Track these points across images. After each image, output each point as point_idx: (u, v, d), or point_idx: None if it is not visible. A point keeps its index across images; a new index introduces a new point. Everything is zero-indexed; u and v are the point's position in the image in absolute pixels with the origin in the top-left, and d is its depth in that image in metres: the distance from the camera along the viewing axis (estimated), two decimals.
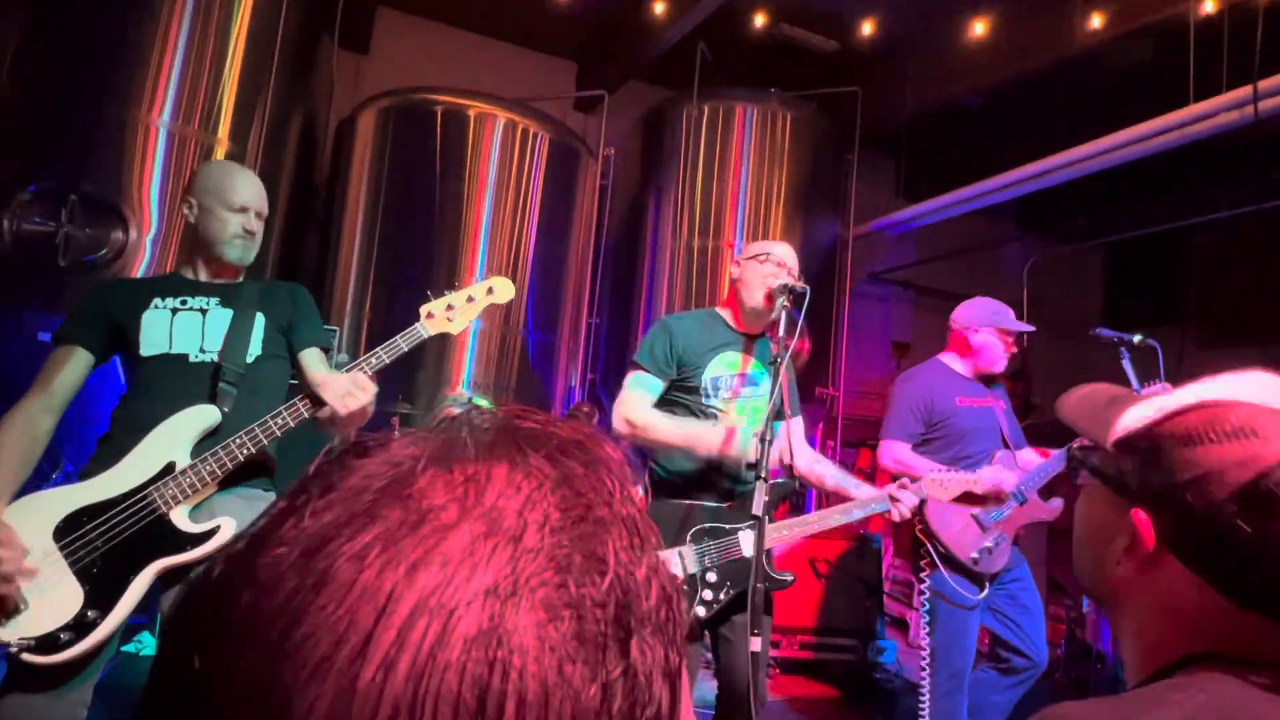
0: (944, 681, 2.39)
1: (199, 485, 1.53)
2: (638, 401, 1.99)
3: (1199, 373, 0.65)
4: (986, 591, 2.38)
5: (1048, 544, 5.21)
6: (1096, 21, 4.32)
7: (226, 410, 1.60)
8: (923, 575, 2.39)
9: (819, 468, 2.13)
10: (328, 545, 0.26)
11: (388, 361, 1.66)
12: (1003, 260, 6.88)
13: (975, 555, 2.35)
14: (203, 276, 1.73)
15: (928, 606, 2.39)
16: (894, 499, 1.96)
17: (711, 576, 1.89)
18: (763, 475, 1.58)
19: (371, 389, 1.61)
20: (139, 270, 3.23)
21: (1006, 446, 2.51)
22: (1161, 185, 5.10)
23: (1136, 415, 0.63)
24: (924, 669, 2.40)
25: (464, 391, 4.01)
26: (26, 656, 1.40)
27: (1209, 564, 0.57)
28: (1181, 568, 0.58)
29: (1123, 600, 0.63)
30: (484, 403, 3.94)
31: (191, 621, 0.26)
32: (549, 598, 0.26)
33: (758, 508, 1.55)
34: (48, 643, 1.41)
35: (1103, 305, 7.67)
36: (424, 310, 1.75)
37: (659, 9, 4.61)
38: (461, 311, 1.76)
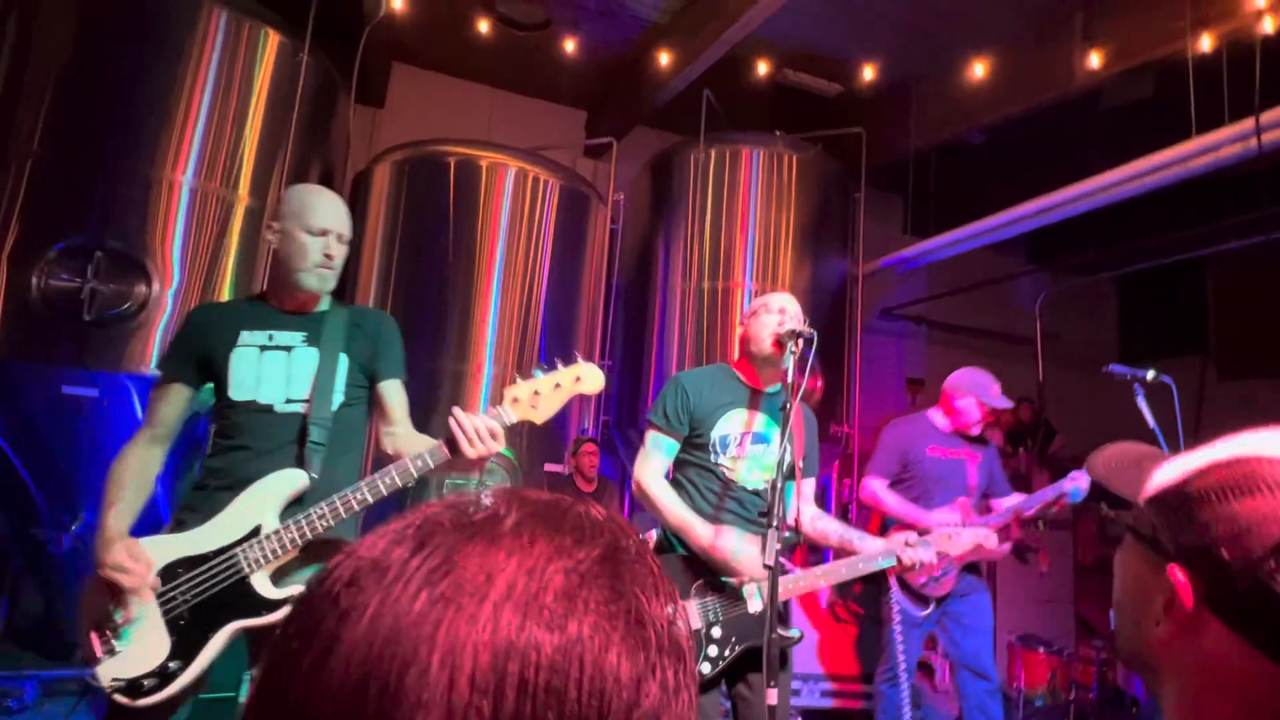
0: (884, 673, 2.90)
1: (280, 552, 1.57)
2: (653, 469, 2.03)
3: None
4: (931, 609, 2.83)
5: (1075, 582, 5.08)
6: (1095, 60, 4.39)
7: (314, 475, 1.64)
8: (888, 589, 2.89)
9: (821, 524, 2.14)
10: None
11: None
12: (1015, 293, 6.87)
13: (924, 580, 2.81)
14: (288, 306, 1.74)
15: (899, 619, 2.87)
16: (903, 555, 1.96)
17: (716, 632, 1.87)
18: (774, 524, 1.57)
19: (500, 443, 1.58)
20: (160, 324, 3.31)
21: (969, 494, 2.91)
22: (1173, 216, 5.10)
23: (1169, 472, 0.63)
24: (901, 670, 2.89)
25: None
26: (116, 696, 1.48)
27: (1249, 622, 0.55)
28: (1223, 629, 0.56)
29: (1164, 665, 0.61)
30: (508, 453, 3.95)
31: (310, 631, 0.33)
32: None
33: (769, 557, 1.54)
34: (134, 687, 1.49)
35: (1118, 337, 7.61)
36: (509, 394, 1.65)
37: (665, 59, 4.74)
38: (548, 398, 1.65)
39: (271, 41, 3.77)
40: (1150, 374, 2.36)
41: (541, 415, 1.65)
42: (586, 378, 1.66)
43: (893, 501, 2.86)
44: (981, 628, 2.87)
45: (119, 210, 3.32)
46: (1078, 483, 2.66)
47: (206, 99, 3.55)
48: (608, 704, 0.31)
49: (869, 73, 5.05)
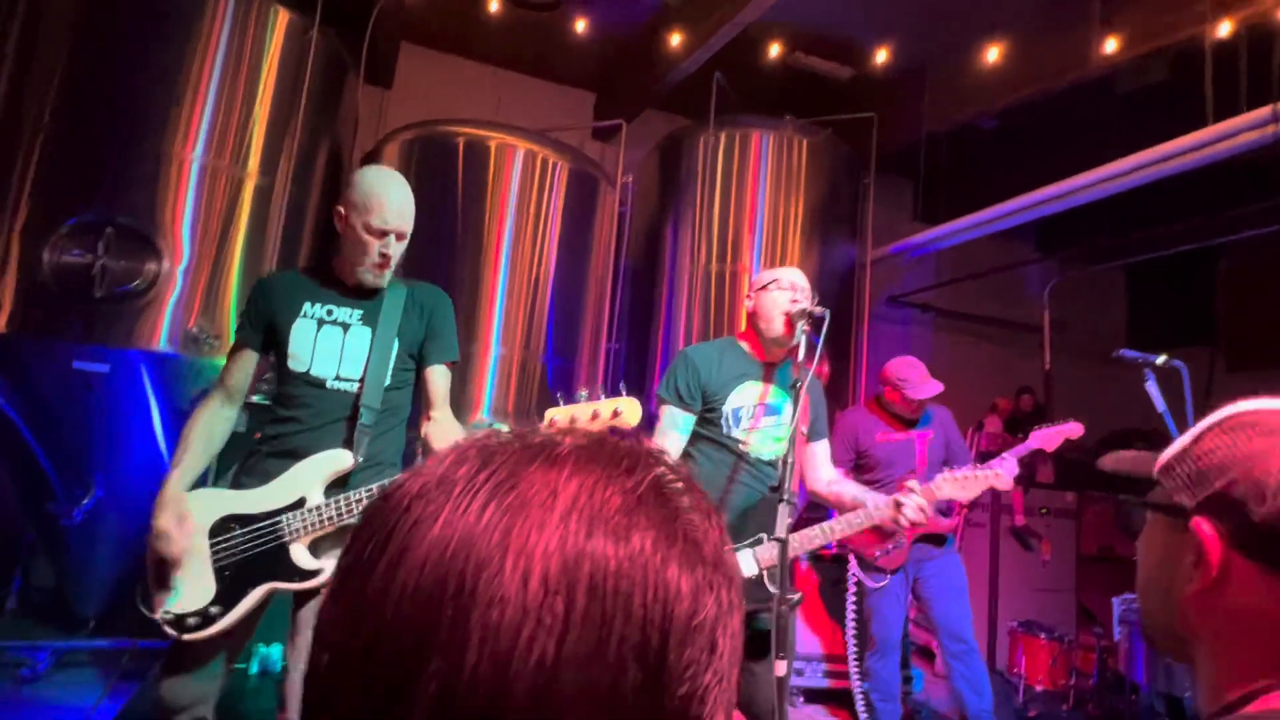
0: (866, 647, 3.03)
1: (319, 525, 1.71)
2: (670, 448, 2.02)
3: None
4: (888, 579, 2.99)
5: (1076, 572, 5.10)
6: (1112, 44, 4.33)
7: (360, 459, 1.76)
8: (848, 566, 3.09)
9: (839, 487, 2.13)
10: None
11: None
12: (1024, 281, 6.83)
13: (877, 553, 2.99)
14: (350, 282, 1.83)
15: (854, 590, 3.11)
16: (900, 503, 1.95)
17: None
18: (785, 498, 1.58)
19: None
20: (170, 300, 3.32)
21: (913, 473, 2.99)
22: (1184, 205, 5.06)
23: (1174, 445, 0.67)
24: (851, 640, 3.15)
25: (485, 418, 4.04)
26: (166, 628, 1.65)
27: (1276, 552, 0.57)
28: (1254, 571, 0.58)
29: (1198, 626, 0.62)
30: (504, 428, 3.97)
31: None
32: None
33: (781, 530, 1.55)
34: (179, 622, 1.66)
35: (1127, 327, 7.56)
36: (547, 415, 1.70)
37: (675, 40, 4.70)
38: (583, 426, 1.72)
39: (281, 20, 3.76)
40: (1161, 359, 2.35)
41: None
42: (626, 411, 1.71)
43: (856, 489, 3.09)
44: (950, 589, 3.01)
45: (129, 187, 3.32)
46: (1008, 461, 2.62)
47: (216, 76, 3.54)
48: (669, 611, 0.33)
49: (881, 56, 5.00)
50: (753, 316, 2.12)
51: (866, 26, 4.93)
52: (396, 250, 1.79)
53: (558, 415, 1.69)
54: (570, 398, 1.73)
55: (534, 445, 0.38)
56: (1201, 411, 0.73)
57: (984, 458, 3.56)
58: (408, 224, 1.80)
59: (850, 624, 3.15)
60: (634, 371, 5.08)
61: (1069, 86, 4.75)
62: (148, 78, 3.41)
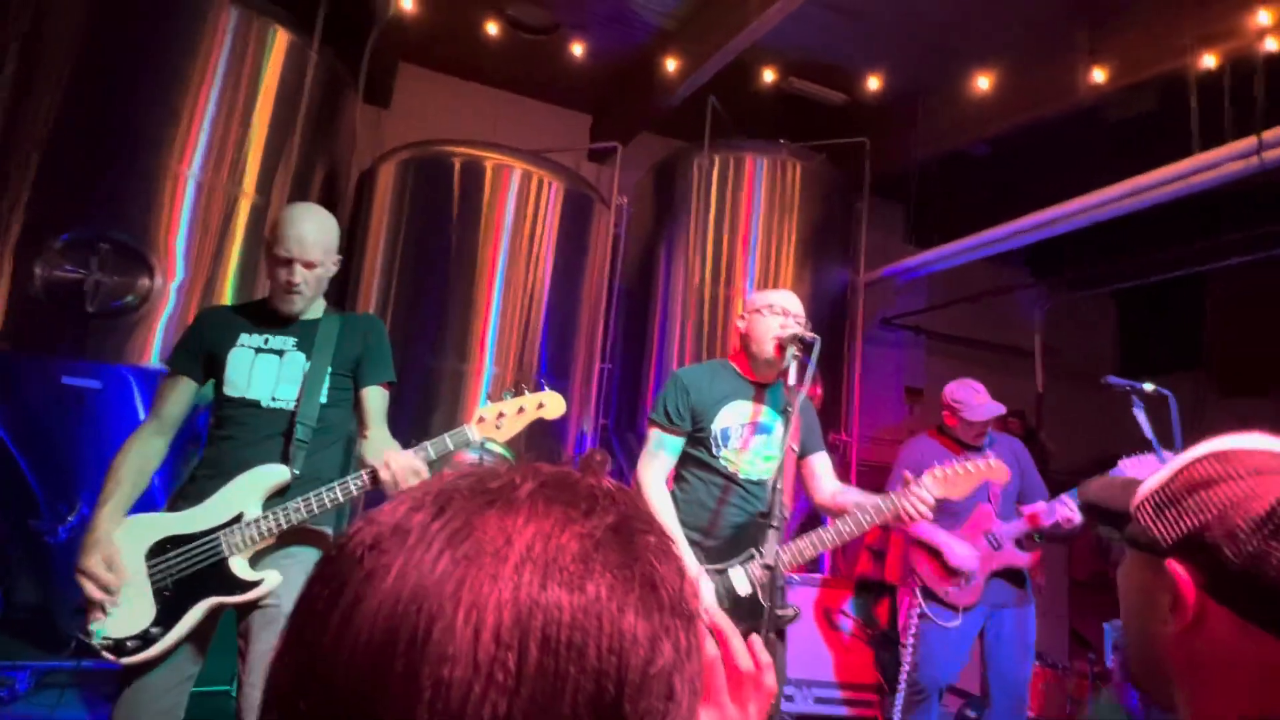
0: (913, 694, 2.75)
1: (258, 538, 1.74)
2: (655, 471, 2.05)
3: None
4: (959, 619, 2.74)
5: (1070, 598, 5.09)
6: (1099, 75, 4.41)
7: (296, 472, 1.80)
8: (914, 600, 2.81)
9: (843, 498, 2.12)
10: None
11: (434, 458, 1.79)
12: (1016, 306, 6.88)
13: (949, 588, 2.75)
14: (282, 313, 1.89)
15: (915, 628, 2.79)
16: (902, 504, 1.94)
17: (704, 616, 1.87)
18: (775, 524, 1.58)
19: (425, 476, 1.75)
20: (163, 316, 3.31)
21: (989, 500, 2.85)
22: (1175, 232, 5.12)
23: (1151, 480, 0.67)
24: (903, 684, 2.80)
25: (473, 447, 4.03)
26: (105, 654, 1.67)
27: (1250, 604, 0.57)
28: (1228, 617, 0.58)
29: (1175, 666, 0.62)
30: (497, 449, 3.96)
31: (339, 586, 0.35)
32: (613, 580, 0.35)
33: (770, 557, 1.54)
34: (119, 646, 1.68)
35: (1119, 352, 7.62)
36: (477, 413, 1.85)
37: (671, 65, 4.76)
38: (511, 420, 1.86)
39: (280, 39, 3.79)
40: (1149, 386, 2.37)
41: (503, 435, 1.86)
42: (549, 404, 1.87)
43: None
44: (1023, 645, 2.79)
45: (124, 202, 3.33)
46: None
47: (215, 94, 3.56)
48: (625, 661, 0.33)
49: (874, 83, 5.07)
50: (745, 338, 2.13)
51: (859, 54, 5.00)
52: (302, 277, 1.81)
53: (486, 413, 1.83)
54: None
55: (491, 490, 0.38)
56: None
57: None
58: (314, 251, 1.83)
59: (906, 666, 2.78)
60: (627, 392, 5.08)
61: (1058, 115, 4.83)
62: (146, 94, 3.43)
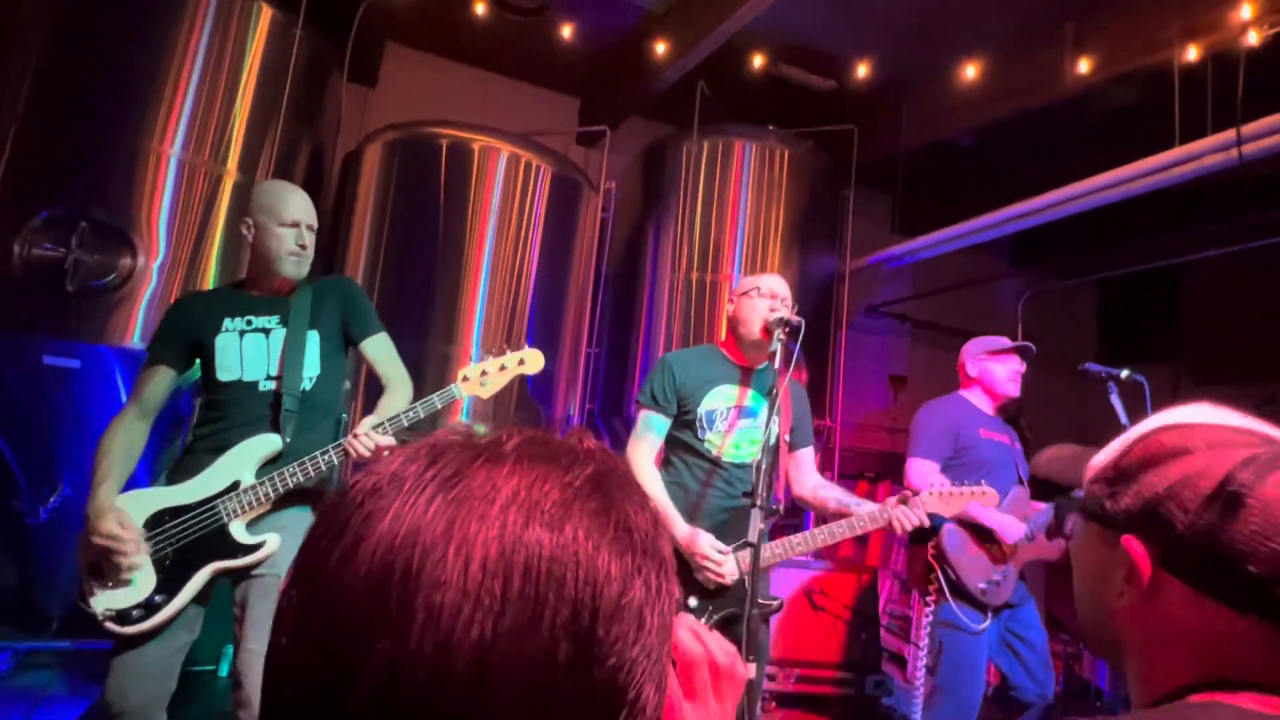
0: (951, 713, 2.41)
1: (255, 504, 1.80)
2: (643, 452, 2.08)
3: None
4: (989, 622, 2.46)
5: (1046, 580, 5.18)
6: (1084, 66, 4.44)
7: (288, 439, 1.86)
8: (929, 603, 2.50)
9: (823, 493, 2.16)
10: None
11: (422, 416, 1.87)
12: (998, 295, 6.95)
13: (984, 586, 2.44)
14: (265, 291, 1.95)
15: (930, 636, 2.47)
16: (894, 514, 1.97)
17: (692, 601, 1.90)
18: (759, 503, 1.61)
19: (388, 444, 1.83)
20: (145, 296, 3.28)
21: (1021, 483, 2.62)
22: (1155, 223, 5.19)
23: (1105, 453, 0.68)
24: (918, 697, 2.47)
25: (464, 420, 4.03)
26: (108, 625, 1.70)
27: (1204, 577, 0.58)
28: (1180, 588, 0.59)
29: (1127, 637, 0.64)
30: (483, 430, 3.96)
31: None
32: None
33: (753, 535, 1.57)
34: (123, 616, 1.71)
35: (1097, 341, 7.73)
36: (461, 373, 1.94)
37: (660, 49, 4.74)
38: (494, 378, 1.94)
39: (265, 16, 3.73)
40: (1124, 373, 2.41)
41: (487, 392, 1.94)
42: (529, 360, 1.97)
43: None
44: (1042, 642, 2.63)
45: (105, 181, 3.28)
46: None
47: (197, 71, 3.50)
48: (599, 591, 0.37)
49: (862, 70, 5.08)
50: (733, 321, 2.15)
51: (848, 40, 5.00)
52: (309, 240, 1.92)
53: (470, 372, 1.92)
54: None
55: (480, 445, 0.41)
56: None
57: None
58: (314, 217, 1.95)
59: (919, 673, 2.50)
60: (613, 377, 5.09)
61: (1043, 106, 4.87)
62: (127, 71, 3.37)
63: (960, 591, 2.45)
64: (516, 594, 0.35)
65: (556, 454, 0.42)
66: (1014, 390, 2.68)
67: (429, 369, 4.07)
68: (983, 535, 2.49)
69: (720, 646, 0.52)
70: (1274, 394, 5.18)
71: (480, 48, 5.49)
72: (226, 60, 3.59)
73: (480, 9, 4.81)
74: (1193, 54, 3.99)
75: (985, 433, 2.63)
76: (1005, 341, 2.69)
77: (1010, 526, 2.46)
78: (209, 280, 3.47)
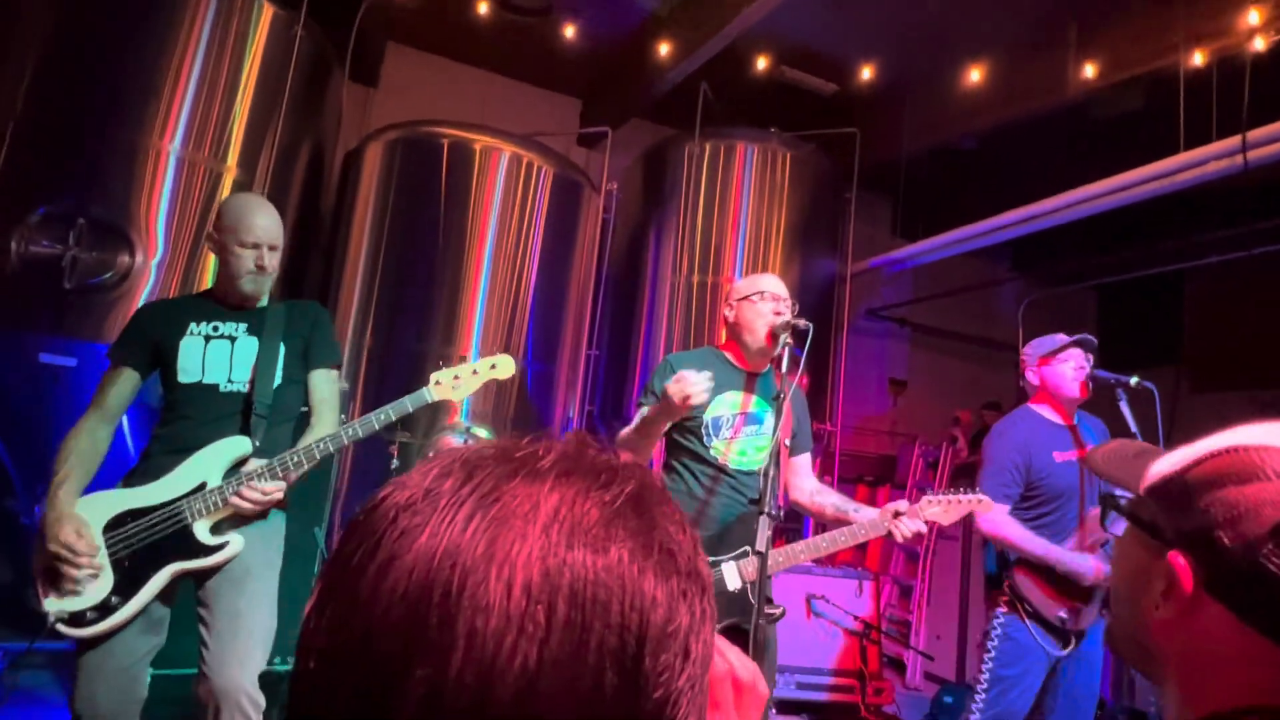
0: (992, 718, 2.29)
1: (220, 505, 1.78)
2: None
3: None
4: (1073, 646, 2.27)
5: None
6: (1089, 71, 4.44)
7: (257, 443, 1.85)
8: (999, 613, 2.32)
9: (820, 499, 2.13)
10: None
11: (394, 419, 1.89)
12: (998, 300, 6.95)
13: (1063, 613, 2.26)
14: (231, 302, 1.96)
15: (996, 644, 2.31)
16: (894, 525, 1.95)
17: None
18: (766, 510, 1.58)
19: (275, 496, 1.82)
20: (143, 294, 3.25)
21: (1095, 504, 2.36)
22: (1155, 229, 5.19)
23: (1167, 462, 0.65)
24: (975, 701, 2.32)
25: (462, 421, 4.01)
26: (60, 627, 1.67)
27: (1248, 606, 0.56)
28: (1221, 612, 0.57)
29: (1163, 649, 0.62)
30: (483, 433, 3.94)
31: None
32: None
33: (761, 543, 1.55)
34: (77, 618, 1.68)
35: (1097, 345, 7.72)
36: (433, 378, 1.95)
37: (663, 50, 4.72)
38: (466, 382, 1.97)
39: (266, 13, 3.71)
40: (1134, 380, 2.39)
41: (459, 395, 1.97)
42: (500, 366, 2.00)
43: (1021, 537, 2.28)
44: (1098, 659, 2.39)
45: (103, 177, 3.25)
46: None
47: (197, 68, 3.48)
48: (646, 619, 0.35)
49: (866, 73, 5.07)
50: (734, 327, 2.12)
51: (851, 44, 5.00)
52: (270, 260, 1.92)
53: (442, 376, 1.94)
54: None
55: (516, 459, 0.39)
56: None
57: (963, 472, 3.38)
58: (277, 236, 1.95)
59: (979, 698, 2.29)
60: (613, 379, 5.07)
61: (1046, 111, 4.86)
62: (127, 67, 3.34)
63: (1040, 619, 2.27)
64: (562, 621, 0.33)
65: (595, 470, 0.40)
66: (1079, 391, 2.41)
67: (429, 369, 4.03)
68: (1048, 575, 2.28)
69: (742, 662, 0.50)
70: (1275, 398, 5.18)
71: (482, 48, 5.47)
72: (227, 57, 3.57)
73: (482, 9, 4.79)
74: (1198, 59, 3.98)
75: (1059, 455, 2.37)
76: (1061, 338, 2.46)
77: (1084, 569, 2.23)
78: (207, 278, 3.45)
